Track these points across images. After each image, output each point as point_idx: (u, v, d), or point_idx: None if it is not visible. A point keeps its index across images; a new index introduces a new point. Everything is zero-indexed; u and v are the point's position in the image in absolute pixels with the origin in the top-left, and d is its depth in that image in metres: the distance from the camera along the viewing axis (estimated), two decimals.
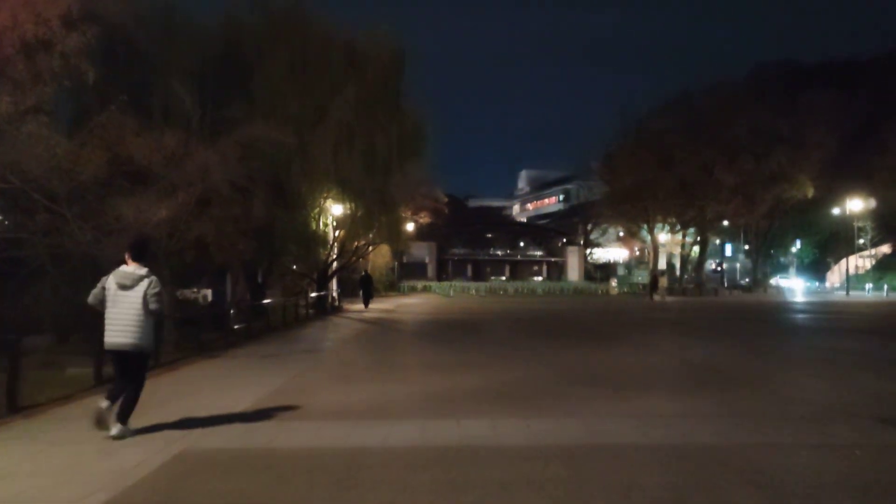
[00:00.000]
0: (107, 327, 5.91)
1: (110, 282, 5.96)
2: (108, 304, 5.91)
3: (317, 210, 22.42)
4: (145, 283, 5.94)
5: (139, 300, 5.89)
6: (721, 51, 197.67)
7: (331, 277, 29.29)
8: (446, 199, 53.21)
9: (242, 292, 22.13)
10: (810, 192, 48.03)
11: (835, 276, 62.86)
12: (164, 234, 12.06)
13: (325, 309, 26.35)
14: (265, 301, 20.01)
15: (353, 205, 23.28)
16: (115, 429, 5.78)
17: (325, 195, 22.07)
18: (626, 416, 6.77)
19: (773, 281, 61.64)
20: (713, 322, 21.86)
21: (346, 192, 21.99)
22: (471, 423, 6.43)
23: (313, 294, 26.86)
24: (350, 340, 15.61)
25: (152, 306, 5.95)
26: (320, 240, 23.40)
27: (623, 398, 7.86)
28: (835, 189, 49.61)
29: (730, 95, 48.48)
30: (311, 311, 25.48)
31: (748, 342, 15.26)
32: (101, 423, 5.75)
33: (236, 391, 8.40)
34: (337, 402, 7.62)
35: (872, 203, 48.38)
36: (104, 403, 5.78)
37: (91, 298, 6.02)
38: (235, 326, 16.59)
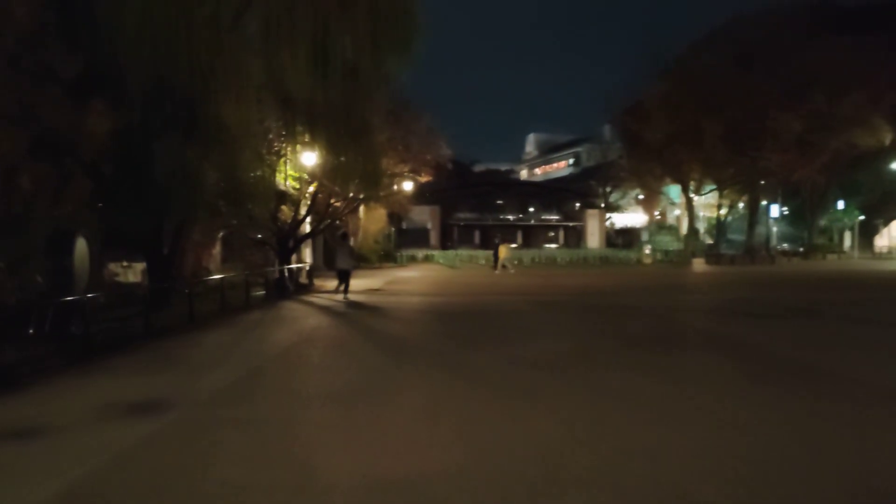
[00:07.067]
0: (338, 260, 18.37)
1: (337, 244, 20.35)
2: (337, 252, 18.81)
3: (254, 146, 14.67)
4: (346, 243, 20.39)
5: (348, 249, 19.00)
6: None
7: (295, 247, 21.94)
8: (451, 153, 45.29)
9: (150, 271, 14.86)
10: (887, 139, 39.96)
11: (884, 240, 55.67)
12: None
13: (284, 289, 19.11)
14: (164, 283, 12.76)
15: (303, 133, 15.22)
16: (344, 298, 17.21)
17: (260, 120, 14.03)
18: None
19: None
20: (874, 309, 14.46)
21: (288, 111, 13.98)
22: None
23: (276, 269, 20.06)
24: (271, 366, 8.35)
25: (351, 251, 20.18)
26: (265, 192, 15.77)
27: None
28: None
29: (786, 25, 40.15)
30: (262, 291, 18.55)
31: None
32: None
33: None
34: None
35: None
36: (341, 295, 17.64)
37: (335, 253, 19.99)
38: (73, 330, 9.46)
